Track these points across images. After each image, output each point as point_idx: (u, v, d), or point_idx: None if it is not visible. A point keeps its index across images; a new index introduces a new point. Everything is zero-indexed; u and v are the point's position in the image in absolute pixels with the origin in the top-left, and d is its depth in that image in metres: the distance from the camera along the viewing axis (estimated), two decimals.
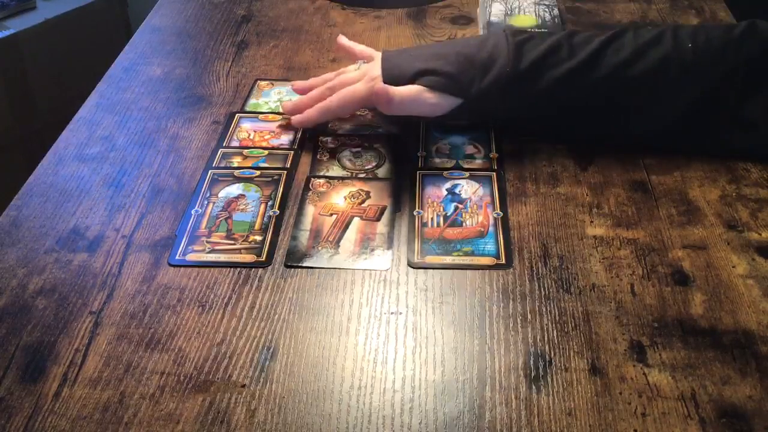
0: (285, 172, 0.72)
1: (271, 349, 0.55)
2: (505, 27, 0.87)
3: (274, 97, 0.85)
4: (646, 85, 0.70)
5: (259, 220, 0.66)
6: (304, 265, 0.62)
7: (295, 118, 0.78)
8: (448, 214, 0.66)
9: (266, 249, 0.63)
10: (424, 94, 0.72)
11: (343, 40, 0.84)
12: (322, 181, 0.71)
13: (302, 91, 0.80)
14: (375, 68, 0.75)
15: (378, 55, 0.78)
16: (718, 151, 0.72)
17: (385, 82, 0.73)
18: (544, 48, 0.71)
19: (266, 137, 0.77)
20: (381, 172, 0.72)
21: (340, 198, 0.69)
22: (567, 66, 0.70)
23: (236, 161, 0.74)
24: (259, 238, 0.64)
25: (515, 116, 0.75)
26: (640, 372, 0.52)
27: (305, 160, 0.74)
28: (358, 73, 0.77)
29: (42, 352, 0.55)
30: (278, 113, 0.81)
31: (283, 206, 0.68)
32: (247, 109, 0.82)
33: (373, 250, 0.63)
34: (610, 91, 0.71)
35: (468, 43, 0.75)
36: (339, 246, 0.63)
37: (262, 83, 0.87)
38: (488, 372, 0.53)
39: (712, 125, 0.71)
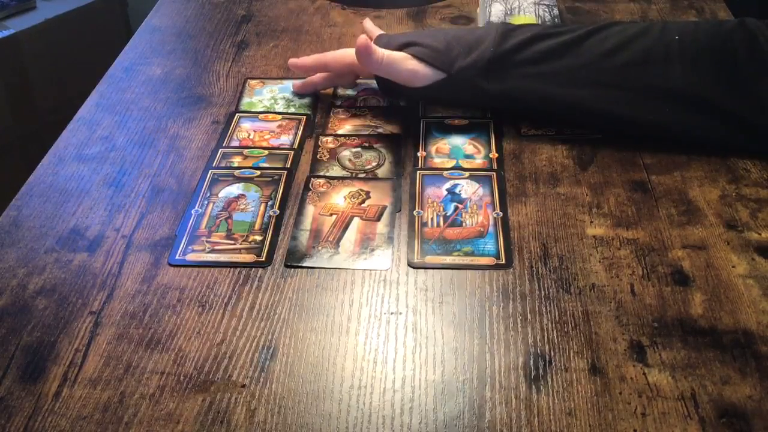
0: (285, 172, 0.72)
1: (271, 349, 0.55)
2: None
3: (267, 95, 0.85)
4: (628, 74, 0.70)
5: (259, 220, 0.66)
6: (304, 265, 0.62)
7: (296, 83, 0.84)
8: (448, 214, 0.66)
9: (266, 249, 0.63)
10: (408, 61, 0.74)
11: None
12: (322, 181, 0.71)
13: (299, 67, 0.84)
14: None
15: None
16: (704, 143, 0.72)
17: None
18: (530, 34, 0.73)
19: (266, 137, 0.77)
20: (381, 172, 0.72)
21: (340, 198, 0.69)
22: (549, 44, 0.71)
23: (236, 161, 0.74)
24: (259, 238, 0.64)
25: (498, 100, 0.75)
26: (640, 372, 0.52)
27: (305, 160, 0.74)
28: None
29: (42, 352, 0.55)
30: (278, 113, 0.81)
31: (283, 206, 0.68)
32: (242, 108, 0.82)
33: (373, 250, 0.63)
34: (591, 77, 0.71)
35: (461, 29, 0.78)
36: (339, 246, 0.63)
37: (253, 82, 0.87)
38: (488, 372, 0.53)
39: (697, 118, 0.70)
